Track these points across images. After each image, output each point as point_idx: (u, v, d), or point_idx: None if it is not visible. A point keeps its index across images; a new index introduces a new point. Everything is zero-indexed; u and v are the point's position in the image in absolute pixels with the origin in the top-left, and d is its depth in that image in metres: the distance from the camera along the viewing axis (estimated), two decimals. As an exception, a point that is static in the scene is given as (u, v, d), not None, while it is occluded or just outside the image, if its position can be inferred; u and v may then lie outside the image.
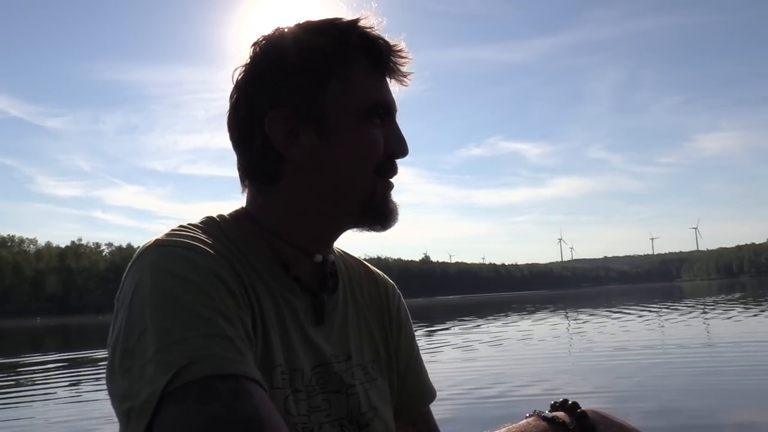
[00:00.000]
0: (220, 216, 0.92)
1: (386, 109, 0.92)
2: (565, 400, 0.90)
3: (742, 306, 24.09)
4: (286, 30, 0.91)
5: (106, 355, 0.78)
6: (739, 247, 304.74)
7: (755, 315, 18.55)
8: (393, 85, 0.95)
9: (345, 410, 0.91)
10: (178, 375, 0.67)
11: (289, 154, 0.89)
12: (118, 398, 0.72)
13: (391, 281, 1.12)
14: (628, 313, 22.77)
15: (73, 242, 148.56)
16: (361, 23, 0.91)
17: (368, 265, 1.11)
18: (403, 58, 0.94)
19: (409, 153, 0.94)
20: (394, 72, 0.94)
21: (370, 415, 0.94)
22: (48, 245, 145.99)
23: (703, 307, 24.89)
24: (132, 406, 0.69)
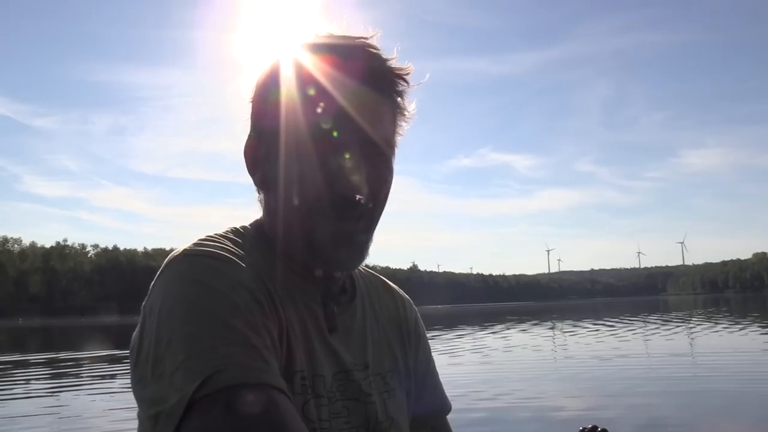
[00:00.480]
0: (243, 227, 0.93)
1: (333, 146, 0.84)
2: (594, 427, 0.89)
3: (728, 321, 24.23)
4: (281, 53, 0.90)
5: (127, 360, 0.80)
6: (724, 263, 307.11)
7: (741, 329, 18.67)
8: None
9: (363, 419, 0.92)
10: (206, 383, 0.68)
11: (254, 172, 0.93)
12: (145, 403, 0.74)
13: (407, 296, 1.12)
14: (613, 326, 22.82)
15: (58, 243, 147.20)
16: (358, 41, 0.87)
17: (385, 279, 1.11)
18: (398, 86, 0.88)
19: (358, 198, 0.84)
20: (398, 108, 0.90)
21: (386, 425, 0.95)
22: (32, 245, 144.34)
23: (687, 322, 24.99)
24: (160, 411, 0.70)
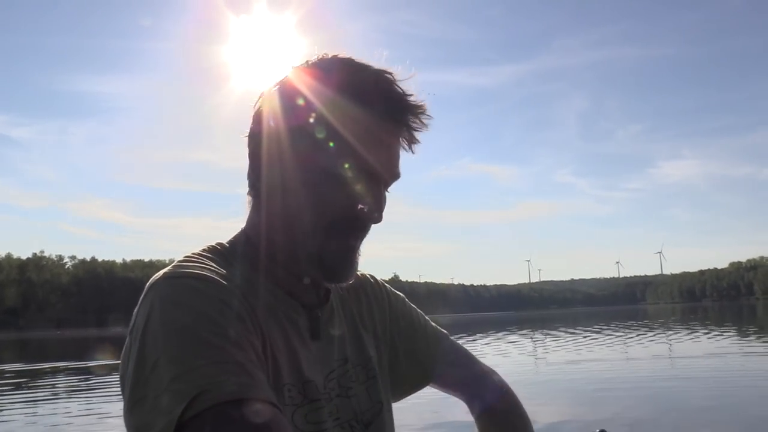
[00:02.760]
0: (220, 244, 0.95)
1: (369, 173, 0.89)
2: (603, 431, 0.89)
3: (706, 328, 24.53)
4: (323, 60, 0.92)
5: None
6: (702, 272, 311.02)
7: (718, 336, 18.90)
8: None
9: (351, 411, 0.95)
10: (192, 404, 0.68)
11: (258, 178, 0.93)
12: (134, 429, 0.73)
13: (370, 274, 1.14)
14: (593, 335, 22.98)
15: (34, 254, 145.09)
16: (389, 76, 0.89)
17: None
18: (420, 123, 0.91)
19: (381, 221, 0.91)
20: (405, 135, 0.92)
21: (376, 410, 0.99)
22: (8, 256, 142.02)
23: (666, 329, 25.23)
24: None
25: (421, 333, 1.13)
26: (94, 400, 9.89)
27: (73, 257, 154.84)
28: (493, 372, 1.20)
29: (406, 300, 1.17)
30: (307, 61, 0.92)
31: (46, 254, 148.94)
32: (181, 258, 0.88)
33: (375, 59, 0.91)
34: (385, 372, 1.07)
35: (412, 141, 0.93)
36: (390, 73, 0.90)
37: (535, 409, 7.23)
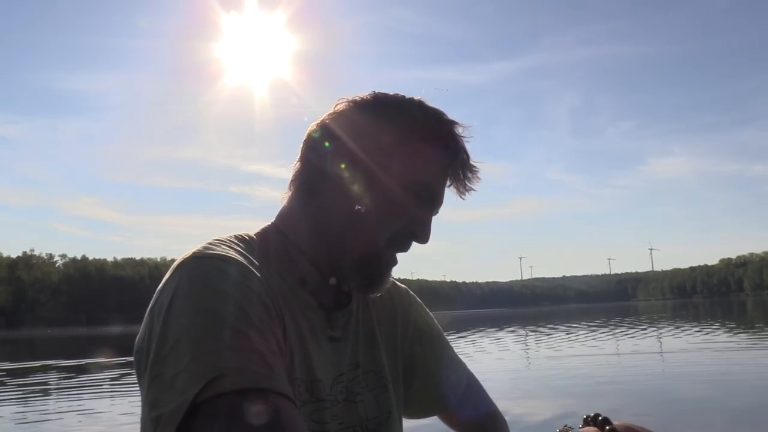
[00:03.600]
0: (247, 234, 0.96)
1: (432, 197, 0.96)
2: (597, 415, 0.90)
3: (699, 324, 24.66)
4: (397, 94, 0.98)
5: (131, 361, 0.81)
6: (692, 269, 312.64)
7: (709, 332, 19.00)
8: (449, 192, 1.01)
9: (356, 417, 0.96)
10: (208, 387, 0.68)
11: (328, 177, 0.95)
12: (148, 405, 0.73)
13: (404, 287, 1.15)
14: (585, 330, 23.04)
15: (24, 253, 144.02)
16: (459, 127, 0.97)
17: None
18: (474, 177, 1.00)
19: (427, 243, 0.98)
20: (459, 182, 1.00)
21: (382, 419, 0.99)
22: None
23: (658, 325, 25.34)
24: (161, 414, 0.70)
25: (442, 359, 1.13)
26: (85, 397, 9.81)
27: (63, 256, 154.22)
28: (499, 414, 1.17)
29: (435, 321, 1.17)
30: (396, 95, 0.98)
31: (37, 253, 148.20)
32: (210, 240, 0.88)
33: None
34: (399, 383, 1.06)
35: (465, 190, 1.01)
36: (460, 126, 0.98)
37: (522, 404, 7.22)
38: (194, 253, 0.83)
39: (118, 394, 9.93)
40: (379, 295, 1.02)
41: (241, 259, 0.84)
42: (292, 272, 0.95)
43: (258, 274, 0.84)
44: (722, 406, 6.67)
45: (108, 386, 10.88)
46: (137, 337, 0.82)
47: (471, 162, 0.99)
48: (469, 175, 0.99)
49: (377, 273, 0.96)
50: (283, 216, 1.00)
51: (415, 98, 0.97)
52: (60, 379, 13.72)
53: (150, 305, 0.81)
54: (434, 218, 0.99)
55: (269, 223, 1.00)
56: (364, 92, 0.98)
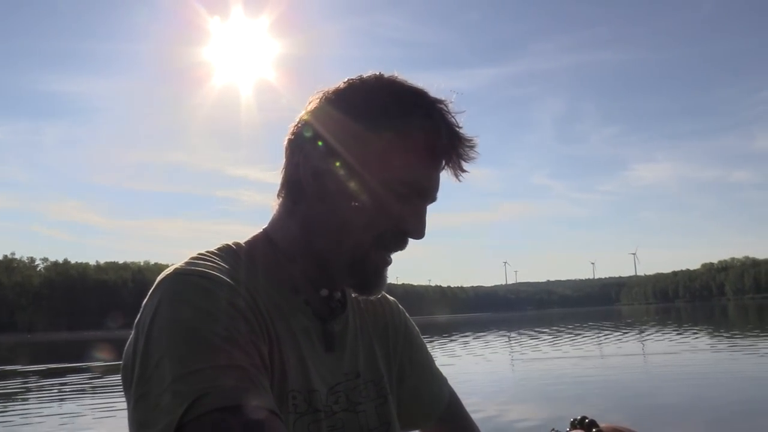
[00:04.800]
0: (236, 243, 0.94)
1: (419, 191, 0.91)
2: (584, 418, 0.90)
3: (679, 328, 24.88)
4: (371, 77, 0.93)
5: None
6: (675, 273, 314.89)
7: (691, 336, 19.18)
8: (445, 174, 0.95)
9: (357, 428, 0.94)
10: (192, 406, 0.69)
11: (308, 182, 0.92)
12: (136, 424, 0.74)
13: (393, 299, 1.13)
14: (570, 334, 23.14)
15: (5, 256, 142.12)
16: (443, 105, 0.91)
17: None
18: (469, 154, 0.93)
19: (423, 238, 0.93)
20: (454, 164, 0.93)
21: (381, 431, 0.97)
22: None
23: (640, 329, 25.52)
24: None
25: (428, 373, 1.12)
26: (67, 400, 9.69)
27: (45, 259, 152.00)
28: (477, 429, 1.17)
29: (421, 335, 1.16)
30: (376, 74, 0.93)
31: (17, 256, 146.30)
32: (194, 255, 0.87)
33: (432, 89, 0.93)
34: (394, 393, 1.05)
35: (460, 170, 0.94)
36: (446, 104, 0.92)
37: (509, 408, 7.24)
38: (176, 269, 0.82)
39: (99, 398, 9.81)
40: (379, 296, 1.00)
41: (222, 275, 0.83)
42: (283, 281, 0.93)
43: (241, 289, 0.83)
44: (704, 407, 6.75)
45: (90, 390, 10.76)
46: (125, 350, 0.81)
47: (464, 139, 0.92)
48: (463, 153, 0.92)
49: (369, 275, 0.94)
50: (273, 223, 0.98)
51: (394, 76, 0.93)
52: (40, 383, 13.54)
53: (136, 319, 0.81)
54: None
55: (260, 230, 0.99)
56: (337, 82, 0.94)
